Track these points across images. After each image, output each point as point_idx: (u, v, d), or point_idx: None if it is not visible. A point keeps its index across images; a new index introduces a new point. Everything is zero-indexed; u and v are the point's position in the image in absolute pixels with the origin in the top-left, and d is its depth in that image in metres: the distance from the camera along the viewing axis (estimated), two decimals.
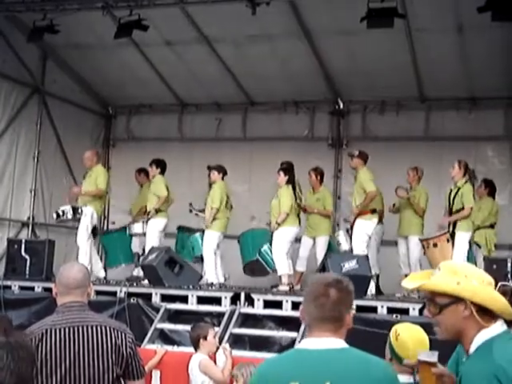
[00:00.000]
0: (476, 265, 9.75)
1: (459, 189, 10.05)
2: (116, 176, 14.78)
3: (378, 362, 2.87)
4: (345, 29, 11.37)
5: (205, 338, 7.21)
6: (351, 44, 11.90)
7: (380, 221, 11.21)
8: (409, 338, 3.95)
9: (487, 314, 2.72)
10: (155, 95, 14.63)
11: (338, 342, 2.83)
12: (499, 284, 3.22)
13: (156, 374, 8.26)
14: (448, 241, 9.85)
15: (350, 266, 9.44)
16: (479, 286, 2.73)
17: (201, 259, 11.43)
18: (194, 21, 11.95)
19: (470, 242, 10.76)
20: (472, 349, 2.72)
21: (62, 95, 14.11)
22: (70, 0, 10.64)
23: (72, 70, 14.28)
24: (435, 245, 9.88)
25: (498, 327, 2.73)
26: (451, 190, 10.18)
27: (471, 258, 10.39)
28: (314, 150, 13.71)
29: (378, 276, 11.44)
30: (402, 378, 3.35)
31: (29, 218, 13.40)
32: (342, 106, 14.06)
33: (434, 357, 2.81)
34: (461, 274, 2.75)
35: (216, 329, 8.96)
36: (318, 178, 11.82)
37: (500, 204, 11.72)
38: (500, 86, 12.20)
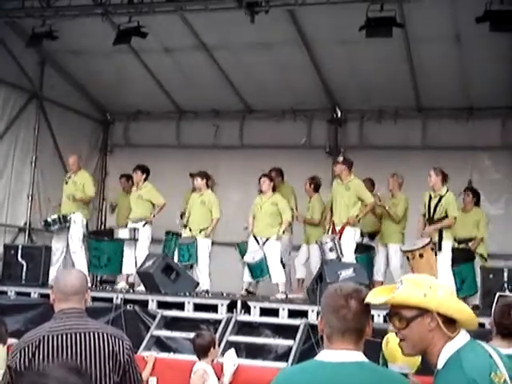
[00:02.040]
0: (479, 277, 9.81)
1: (441, 197, 10.04)
2: (113, 182, 14.79)
3: (392, 376, 2.86)
4: (343, 37, 11.42)
5: (214, 347, 7.09)
6: (350, 53, 11.94)
7: None
8: (397, 345, 3.97)
9: (452, 324, 2.69)
10: (153, 102, 14.65)
11: (356, 355, 2.78)
12: (497, 294, 3.23)
13: (153, 381, 8.25)
14: (432, 249, 9.81)
15: (346, 274, 9.44)
16: (445, 296, 2.70)
17: (190, 266, 11.33)
18: (192, 28, 11.99)
19: (473, 254, 10.81)
20: (440, 362, 2.68)
21: (60, 101, 14.14)
22: (69, 6, 10.68)
23: (70, 76, 14.30)
24: (421, 255, 9.81)
25: (463, 337, 2.70)
26: (431, 197, 10.12)
27: (474, 270, 10.38)
28: (312, 158, 13.73)
29: (381, 283, 11.46)
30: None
31: (25, 224, 13.40)
32: (339, 115, 14.10)
33: (405, 369, 2.79)
34: (425, 286, 2.71)
35: None
36: (312, 186, 11.85)
37: (496, 213, 11.76)
38: (497, 95, 12.25)
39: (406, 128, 13.44)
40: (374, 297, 2.81)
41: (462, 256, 10.56)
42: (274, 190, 11.15)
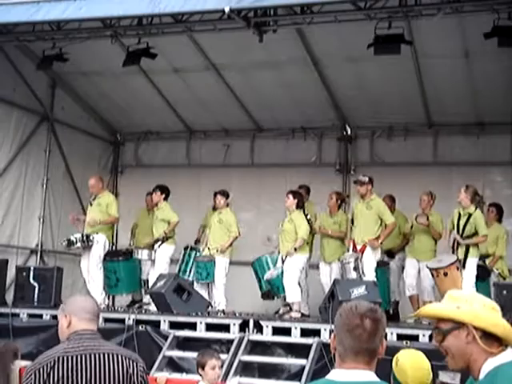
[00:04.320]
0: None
1: (470, 215, 9.99)
2: (124, 203, 14.80)
3: None
4: (352, 55, 11.44)
5: (202, 368, 6.62)
6: (358, 70, 11.96)
7: None
8: (408, 364, 3.95)
9: (492, 339, 2.64)
10: (163, 122, 14.71)
11: (368, 375, 2.74)
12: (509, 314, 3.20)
13: None
14: (458, 269, 9.74)
15: (358, 292, 9.38)
16: (480, 309, 2.67)
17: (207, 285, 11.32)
18: (201, 48, 12.05)
19: (489, 271, 10.73)
20: (481, 377, 2.63)
21: (70, 122, 14.22)
22: (79, 29, 10.76)
23: (81, 98, 14.39)
24: (445, 274, 9.75)
25: (508, 355, 2.64)
26: (460, 214, 10.09)
27: (489, 288, 10.30)
28: (322, 175, 13.72)
29: (397, 302, 11.39)
30: None
31: (37, 245, 13.42)
32: (349, 132, 14.10)
33: (455, 379, 2.77)
34: (462, 300, 2.71)
35: (224, 356, 8.93)
36: (338, 202, 11.74)
37: (509, 229, 11.65)
38: (507, 110, 12.20)
39: (416, 144, 13.42)
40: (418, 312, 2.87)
41: (478, 274, 10.52)
42: (298, 207, 11.02)
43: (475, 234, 9.93)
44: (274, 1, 9.66)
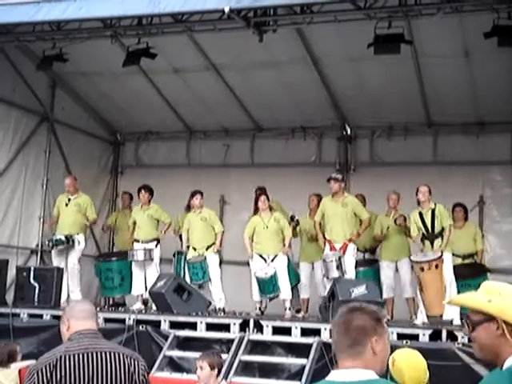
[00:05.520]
0: None
1: (433, 210, 10.08)
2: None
3: None
4: (352, 55, 11.45)
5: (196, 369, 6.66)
6: (358, 70, 11.96)
7: None
8: (404, 363, 3.95)
9: None
10: (163, 122, 14.71)
11: (366, 374, 2.73)
12: None
13: None
14: (437, 266, 9.81)
15: (359, 291, 9.40)
16: (511, 303, 2.66)
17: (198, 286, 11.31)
18: (201, 48, 12.05)
19: (485, 267, 10.79)
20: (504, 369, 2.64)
21: (70, 123, 14.22)
22: (79, 29, 10.76)
23: (81, 98, 14.39)
24: (437, 266, 9.84)
25: None
26: (422, 214, 10.15)
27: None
28: (322, 175, 13.63)
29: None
30: None
31: (37, 246, 13.42)
32: (349, 132, 14.10)
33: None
34: (495, 292, 2.71)
35: (225, 356, 8.95)
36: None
37: (508, 228, 11.69)
38: (508, 110, 12.20)
39: (416, 144, 13.41)
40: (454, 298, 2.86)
41: (473, 271, 10.59)
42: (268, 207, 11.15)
43: (443, 228, 10.05)
44: (273, 1, 9.67)
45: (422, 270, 9.94)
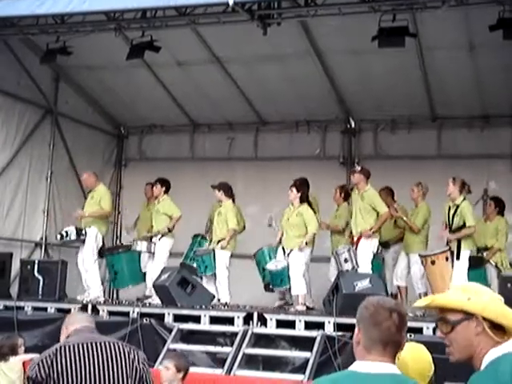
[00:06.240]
0: (491, 286, 9.69)
1: (457, 206, 9.99)
2: (128, 196, 14.84)
3: None
4: (356, 48, 11.42)
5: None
6: (362, 63, 11.94)
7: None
8: (409, 356, 3.94)
9: (500, 330, 2.66)
10: (167, 115, 14.70)
11: (391, 368, 2.81)
12: None
13: None
14: (447, 259, 9.78)
15: (363, 285, 9.38)
16: (491, 301, 2.70)
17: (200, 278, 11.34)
18: (205, 41, 12.04)
19: (483, 261, 10.73)
20: (483, 365, 2.66)
21: (74, 116, 14.24)
22: (82, 22, 10.75)
23: (84, 91, 14.39)
24: (433, 262, 9.85)
25: (511, 344, 2.66)
26: (449, 207, 10.08)
27: (485, 279, 10.30)
28: (326, 168, 13.71)
29: (396, 295, 11.42)
30: None
31: (41, 239, 13.45)
32: (353, 125, 14.09)
33: None
34: (471, 291, 2.74)
35: (228, 349, 9.01)
36: (342, 195, 11.82)
37: None
38: None
39: (420, 137, 13.39)
40: (419, 301, 2.87)
41: (472, 263, 10.55)
42: (302, 200, 11.01)
43: (464, 225, 9.92)
44: None
45: (422, 264, 9.97)
